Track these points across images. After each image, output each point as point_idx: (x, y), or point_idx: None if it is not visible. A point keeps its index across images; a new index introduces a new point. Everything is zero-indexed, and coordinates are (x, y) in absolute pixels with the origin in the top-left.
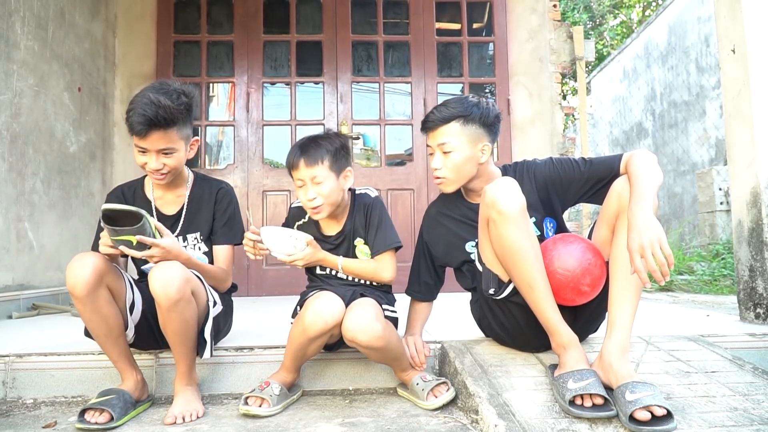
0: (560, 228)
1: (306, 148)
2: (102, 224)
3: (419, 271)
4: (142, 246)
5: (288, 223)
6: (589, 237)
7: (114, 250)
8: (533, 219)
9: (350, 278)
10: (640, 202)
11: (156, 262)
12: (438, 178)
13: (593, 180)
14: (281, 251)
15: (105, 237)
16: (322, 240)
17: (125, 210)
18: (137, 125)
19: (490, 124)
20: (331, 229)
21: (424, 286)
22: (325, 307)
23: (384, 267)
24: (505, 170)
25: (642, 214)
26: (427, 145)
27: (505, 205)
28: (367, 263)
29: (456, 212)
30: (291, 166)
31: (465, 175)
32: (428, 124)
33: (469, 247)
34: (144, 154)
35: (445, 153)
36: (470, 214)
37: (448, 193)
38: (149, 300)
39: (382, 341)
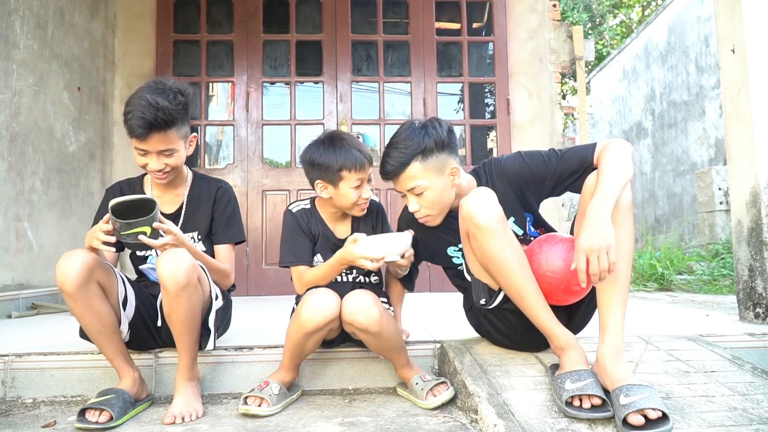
0: (536, 220)
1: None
2: (111, 220)
3: None
4: (156, 234)
5: (297, 226)
6: (572, 231)
7: (106, 239)
8: (512, 219)
9: (344, 279)
10: (601, 202)
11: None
12: (422, 218)
13: (566, 173)
14: (397, 251)
15: (101, 231)
16: (336, 243)
17: (136, 200)
18: (137, 128)
19: (448, 144)
20: (343, 230)
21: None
22: (321, 302)
23: None
24: (477, 174)
25: (598, 216)
26: (396, 189)
27: (481, 218)
28: None
29: None
30: (362, 166)
31: (446, 204)
32: (388, 175)
33: (451, 251)
34: (144, 156)
35: (417, 195)
36: (449, 220)
37: None
38: (145, 299)
39: (379, 325)
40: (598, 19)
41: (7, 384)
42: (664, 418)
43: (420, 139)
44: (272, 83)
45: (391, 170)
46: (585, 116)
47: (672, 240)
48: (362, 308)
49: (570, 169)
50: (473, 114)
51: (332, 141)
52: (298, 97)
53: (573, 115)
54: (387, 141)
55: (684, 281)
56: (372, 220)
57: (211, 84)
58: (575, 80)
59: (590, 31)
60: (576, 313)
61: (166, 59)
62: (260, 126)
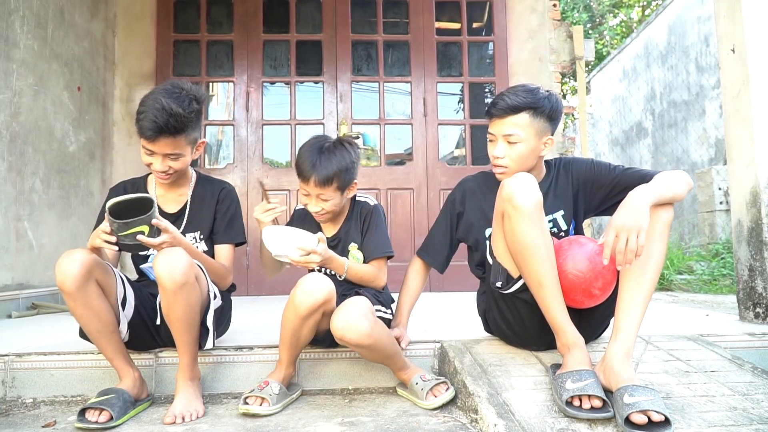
0: (578, 228)
1: (319, 165)
2: (109, 221)
3: (437, 236)
4: (154, 233)
5: (292, 224)
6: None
7: (108, 239)
8: (562, 212)
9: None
10: (646, 190)
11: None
12: (498, 167)
13: (622, 186)
14: (293, 248)
15: (102, 231)
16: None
17: (133, 199)
18: (147, 130)
19: (556, 118)
20: (329, 230)
21: (438, 252)
22: (314, 284)
23: (381, 273)
24: (548, 165)
25: (640, 199)
26: (489, 132)
27: (520, 201)
28: (369, 267)
29: (493, 194)
30: (301, 176)
31: (526, 167)
32: (496, 111)
33: (489, 232)
34: (150, 155)
35: (510, 143)
36: None
37: (489, 174)
38: (144, 299)
39: (370, 339)
40: (598, 19)
41: (7, 384)
42: (666, 422)
43: (540, 99)
44: (272, 83)
45: (503, 107)
46: (585, 116)
47: (672, 240)
48: (351, 324)
49: (626, 183)
50: (473, 114)
51: (316, 147)
52: (298, 96)
53: (573, 115)
54: (387, 141)
55: (684, 281)
56: (362, 222)
57: (211, 84)
58: (575, 80)
59: (590, 31)
60: (585, 321)
61: (167, 59)
62: (260, 126)
